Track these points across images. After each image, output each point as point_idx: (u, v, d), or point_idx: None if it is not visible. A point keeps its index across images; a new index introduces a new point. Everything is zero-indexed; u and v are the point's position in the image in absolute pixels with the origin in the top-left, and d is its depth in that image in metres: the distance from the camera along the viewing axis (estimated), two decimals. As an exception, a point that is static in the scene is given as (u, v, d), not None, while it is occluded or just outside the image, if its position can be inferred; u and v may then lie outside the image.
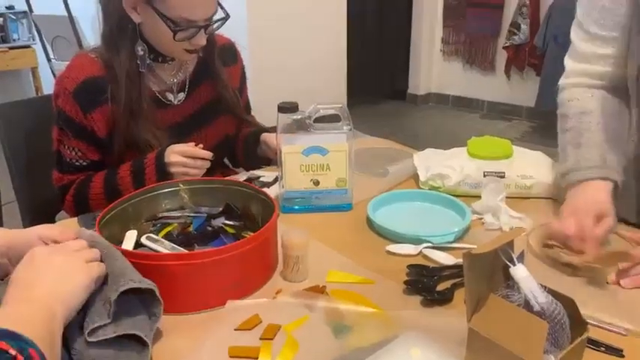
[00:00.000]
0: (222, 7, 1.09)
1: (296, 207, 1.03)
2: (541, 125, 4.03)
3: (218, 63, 1.21)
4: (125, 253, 0.73)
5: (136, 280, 0.64)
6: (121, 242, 0.85)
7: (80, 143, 1.11)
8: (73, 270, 0.62)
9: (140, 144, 1.11)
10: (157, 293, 0.65)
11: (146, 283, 0.65)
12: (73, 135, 1.11)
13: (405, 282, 0.78)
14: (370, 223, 0.97)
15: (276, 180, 1.13)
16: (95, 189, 1.11)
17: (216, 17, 1.09)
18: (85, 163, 1.13)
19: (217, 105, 1.23)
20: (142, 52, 1.08)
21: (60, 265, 0.62)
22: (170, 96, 1.17)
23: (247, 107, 1.35)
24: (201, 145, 1.08)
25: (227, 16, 1.10)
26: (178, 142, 1.13)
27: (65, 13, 3.17)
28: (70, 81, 1.08)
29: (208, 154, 1.06)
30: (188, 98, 1.19)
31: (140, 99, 1.10)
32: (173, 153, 1.06)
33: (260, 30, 3.54)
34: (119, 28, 1.07)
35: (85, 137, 1.11)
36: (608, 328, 0.68)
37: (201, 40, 1.07)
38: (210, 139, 1.21)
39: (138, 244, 0.85)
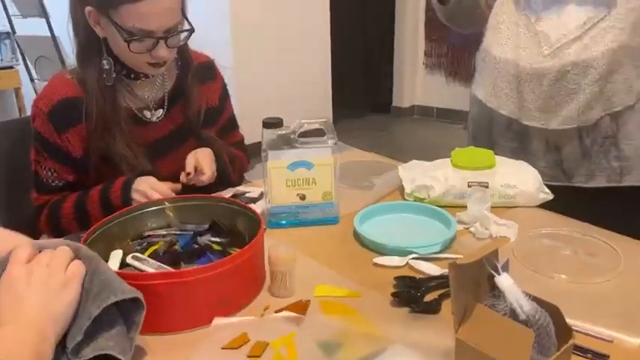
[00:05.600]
0: (187, 20, 1.09)
1: (283, 222, 1.03)
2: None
3: (192, 81, 1.20)
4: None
5: (119, 292, 0.63)
6: (107, 262, 0.84)
7: (55, 164, 1.12)
8: (59, 287, 0.60)
9: (117, 161, 1.11)
10: (142, 299, 0.64)
11: (130, 293, 0.64)
12: (49, 155, 1.11)
13: (393, 294, 0.78)
14: (357, 235, 0.97)
15: (262, 195, 1.13)
16: (66, 210, 1.11)
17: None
18: (60, 184, 1.13)
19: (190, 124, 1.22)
20: (107, 67, 1.08)
21: (44, 283, 0.60)
22: (147, 113, 1.17)
23: (232, 123, 1.35)
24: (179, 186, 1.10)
25: (192, 30, 1.09)
26: (158, 160, 1.14)
27: (48, 34, 3.16)
28: (45, 102, 1.09)
29: (172, 195, 1.05)
30: (167, 116, 1.19)
31: (115, 114, 1.10)
32: (145, 184, 1.06)
33: (244, 46, 3.57)
34: (88, 44, 1.08)
35: (59, 158, 1.11)
36: (594, 335, 0.68)
37: (162, 52, 1.05)
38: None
39: (123, 264, 0.84)
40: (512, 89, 1.17)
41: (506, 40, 1.16)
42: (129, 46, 1.02)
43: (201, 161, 1.13)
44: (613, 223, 0.95)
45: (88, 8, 1.03)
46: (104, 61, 1.07)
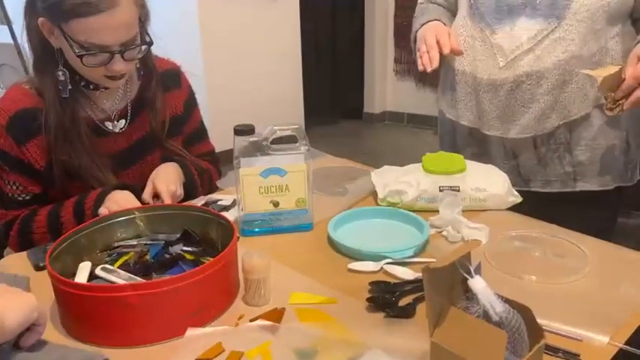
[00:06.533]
0: (147, 34, 1.06)
1: (256, 229, 1.02)
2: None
3: (155, 90, 1.18)
4: (78, 286, 0.70)
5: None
6: (74, 275, 0.82)
7: (19, 177, 1.08)
8: (16, 290, 0.62)
9: (82, 173, 1.08)
10: None
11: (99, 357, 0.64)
12: (11, 169, 1.07)
13: (368, 299, 0.78)
14: (331, 241, 0.97)
15: (234, 203, 1.12)
16: (39, 223, 1.08)
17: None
18: (27, 197, 1.10)
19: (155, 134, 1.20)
20: (62, 78, 1.04)
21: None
22: (109, 124, 1.14)
23: (200, 132, 1.32)
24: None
25: (150, 42, 1.07)
26: (122, 171, 1.12)
27: (11, 41, 3.08)
28: (3, 114, 1.05)
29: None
30: (131, 125, 1.16)
31: (74, 126, 1.07)
32: (113, 201, 1.03)
33: (215, 54, 3.54)
34: (44, 54, 1.05)
35: (23, 170, 1.08)
36: (564, 334, 0.70)
37: (118, 66, 1.02)
38: (155, 166, 1.19)
39: (92, 276, 0.82)
40: (471, 100, 1.21)
41: (464, 53, 1.20)
42: (82, 61, 0.99)
43: (158, 186, 1.09)
44: (571, 226, 0.98)
45: (40, 19, 1.00)
46: (59, 73, 1.04)
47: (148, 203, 1.08)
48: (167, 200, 1.07)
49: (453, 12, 1.31)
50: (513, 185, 1.12)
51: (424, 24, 1.26)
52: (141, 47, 1.05)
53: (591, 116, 1.12)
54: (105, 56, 1.00)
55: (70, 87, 1.05)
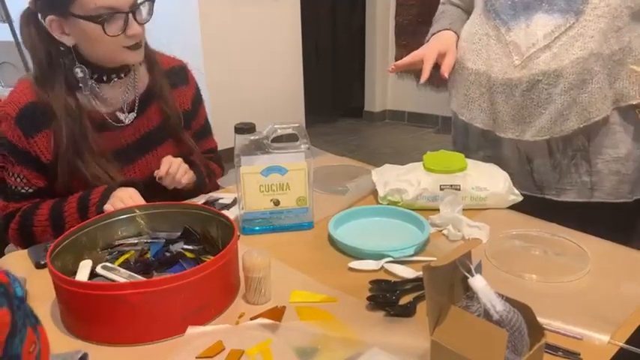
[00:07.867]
0: None
1: (257, 228, 1.02)
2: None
3: (165, 84, 1.20)
4: (79, 284, 0.70)
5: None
6: (75, 273, 0.82)
7: (24, 169, 1.09)
8: None
9: (87, 167, 1.09)
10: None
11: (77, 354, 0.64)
12: (17, 161, 1.08)
13: (368, 298, 0.78)
14: (332, 240, 0.97)
15: (235, 201, 1.12)
16: (40, 216, 1.08)
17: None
18: (30, 190, 1.10)
19: (166, 126, 1.21)
20: (81, 74, 1.06)
21: None
22: (121, 115, 1.15)
23: (206, 129, 1.34)
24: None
25: None
26: (130, 165, 1.13)
27: (11, 39, 3.08)
28: (12, 106, 1.06)
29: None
30: (138, 119, 1.18)
31: (83, 133, 1.08)
32: (118, 199, 1.04)
33: (216, 52, 3.54)
34: (50, 63, 1.06)
35: (29, 163, 1.08)
36: (564, 333, 0.70)
37: (135, 29, 1.05)
38: (160, 160, 1.19)
39: (93, 274, 0.82)
40: (485, 101, 1.16)
41: (478, 51, 1.16)
42: (104, 29, 1.01)
43: (175, 166, 1.14)
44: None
45: (49, 18, 1.01)
46: (77, 70, 1.06)
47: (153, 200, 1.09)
48: (164, 165, 1.12)
49: (469, 12, 1.27)
50: (526, 190, 1.08)
51: (435, 33, 1.26)
52: (148, 5, 1.07)
53: (611, 122, 1.06)
54: (121, 20, 1.02)
55: (89, 83, 1.08)
